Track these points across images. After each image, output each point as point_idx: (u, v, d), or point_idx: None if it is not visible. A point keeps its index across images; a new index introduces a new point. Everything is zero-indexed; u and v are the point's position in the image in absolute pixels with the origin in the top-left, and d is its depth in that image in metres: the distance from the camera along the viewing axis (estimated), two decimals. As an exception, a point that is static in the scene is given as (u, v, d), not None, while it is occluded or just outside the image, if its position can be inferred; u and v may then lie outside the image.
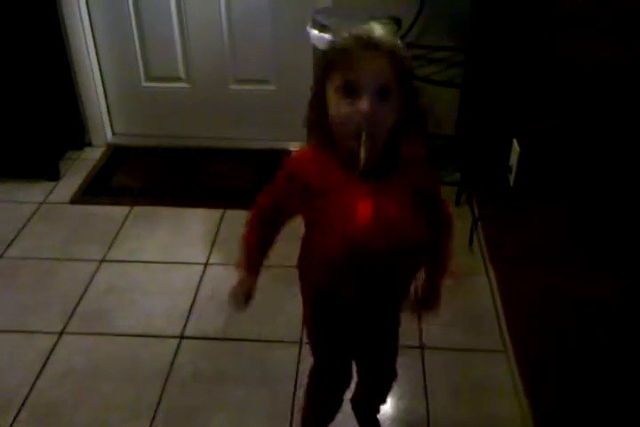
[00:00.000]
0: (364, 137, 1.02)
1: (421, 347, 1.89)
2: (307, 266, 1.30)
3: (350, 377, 1.48)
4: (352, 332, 1.36)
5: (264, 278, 2.26)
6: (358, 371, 1.51)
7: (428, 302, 1.36)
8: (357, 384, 1.57)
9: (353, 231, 1.12)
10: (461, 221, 2.35)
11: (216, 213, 2.52)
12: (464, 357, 1.88)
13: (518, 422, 1.68)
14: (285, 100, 2.79)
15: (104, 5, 2.68)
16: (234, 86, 2.82)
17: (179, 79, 2.84)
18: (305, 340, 1.91)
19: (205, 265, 2.25)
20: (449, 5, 2.36)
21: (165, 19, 2.68)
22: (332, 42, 1.08)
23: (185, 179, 2.73)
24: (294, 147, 2.81)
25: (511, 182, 1.80)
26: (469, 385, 1.79)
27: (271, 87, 2.80)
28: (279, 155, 2.84)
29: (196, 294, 2.12)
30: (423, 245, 1.22)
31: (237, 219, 2.48)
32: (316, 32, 2.02)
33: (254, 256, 1.32)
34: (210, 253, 2.31)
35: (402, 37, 2.17)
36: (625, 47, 1.19)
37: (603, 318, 1.27)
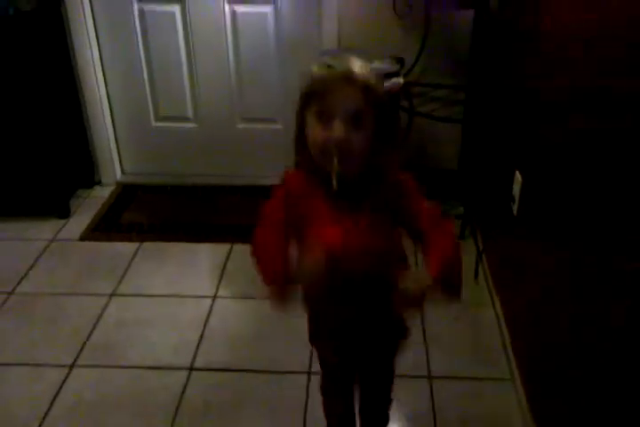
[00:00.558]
0: (335, 162, 1.10)
1: (429, 377, 1.90)
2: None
3: (352, 385, 1.53)
4: (349, 348, 1.39)
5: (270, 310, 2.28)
6: (359, 397, 1.57)
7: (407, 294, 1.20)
8: (359, 414, 1.61)
9: (324, 255, 1.14)
10: (466, 255, 2.38)
11: (223, 247, 2.56)
12: (472, 386, 1.88)
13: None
14: (291, 138, 2.86)
15: (115, 47, 2.79)
16: (241, 125, 2.90)
17: (187, 119, 2.93)
18: (313, 369, 1.93)
19: (214, 298, 2.28)
20: (449, 45, 2.46)
21: (175, 61, 2.78)
22: (311, 75, 1.16)
23: (193, 215, 2.78)
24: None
25: (515, 211, 1.85)
26: (478, 414, 1.79)
27: (278, 126, 2.88)
28: (285, 191, 2.90)
29: (204, 327, 2.14)
30: (396, 258, 1.27)
31: (245, 252, 2.52)
32: (322, 71, 2.10)
33: (278, 263, 1.23)
34: (218, 287, 2.34)
35: (405, 76, 2.26)
36: (625, 79, 1.26)
37: (610, 346, 1.29)
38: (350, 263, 1.18)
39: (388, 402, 1.59)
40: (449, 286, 1.18)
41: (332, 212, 1.18)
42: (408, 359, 1.95)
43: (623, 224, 1.23)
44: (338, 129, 1.09)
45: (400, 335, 1.42)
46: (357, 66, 1.12)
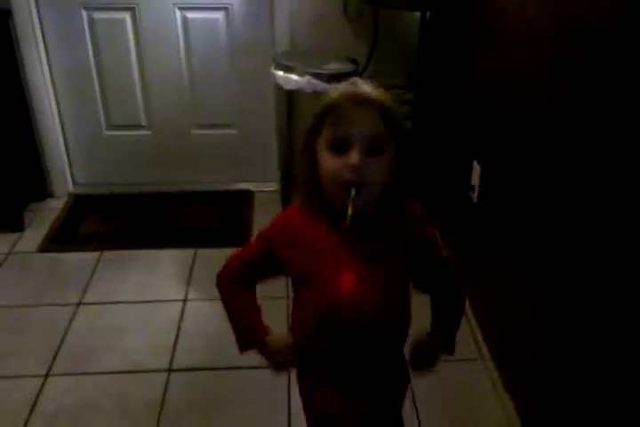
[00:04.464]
0: (353, 193, 1.00)
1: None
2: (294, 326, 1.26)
3: None
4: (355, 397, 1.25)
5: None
6: None
7: (422, 359, 1.21)
8: None
9: (331, 301, 1.10)
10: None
11: (188, 252, 2.58)
12: (445, 367, 1.95)
13: (503, 419, 1.79)
14: (247, 142, 2.92)
15: (65, 56, 2.76)
16: (195, 131, 2.93)
17: (140, 127, 2.93)
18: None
19: (184, 301, 2.29)
20: (398, 47, 2.56)
21: (126, 69, 2.78)
22: (322, 101, 1.07)
23: (152, 223, 2.78)
24: (255, 187, 2.95)
25: (475, 200, 1.96)
26: (455, 394, 1.88)
27: (232, 131, 2.92)
28: (243, 195, 2.95)
29: (178, 329, 2.15)
30: (406, 320, 1.20)
31: (210, 256, 2.57)
32: (281, 73, 2.17)
33: (257, 318, 1.21)
34: (187, 290, 2.35)
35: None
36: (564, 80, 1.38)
37: (573, 318, 1.39)
38: (362, 311, 1.10)
39: None
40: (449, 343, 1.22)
41: (343, 251, 1.08)
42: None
43: (579, 207, 1.35)
44: (356, 157, 0.99)
45: (405, 380, 1.32)
46: (371, 88, 1.05)
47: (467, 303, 2.17)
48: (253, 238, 1.21)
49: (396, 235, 1.10)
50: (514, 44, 1.71)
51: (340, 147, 1.01)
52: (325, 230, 1.08)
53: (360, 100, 1.02)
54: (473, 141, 2.06)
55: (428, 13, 2.26)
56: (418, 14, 2.31)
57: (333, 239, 1.08)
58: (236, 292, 1.23)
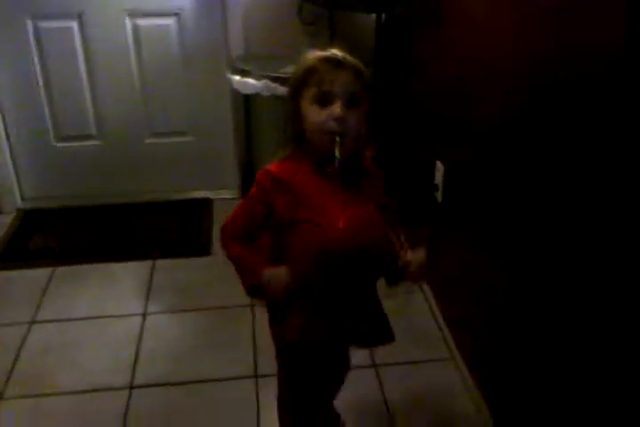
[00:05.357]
0: (338, 138, 1.17)
1: (374, 365, 1.94)
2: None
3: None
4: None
5: (206, 320, 2.22)
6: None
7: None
8: None
9: (326, 235, 1.22)
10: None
11: (146, 264, 2.49)
12: (416, 369, 1.94)
13: (476, 417, 1.77)
14: (204, 149, 2.86)
15: (9, 66, 2.66)
16: (149, 140, 2.85)
17: (91, 137, 2.83)
18: (261, 372, 1.91)
19: (144, 315, 2.21)
20: (354, 51, 2.54)
21: (75, 78, 2.70)
22: (299, 63, 1.23)
23: (107, 236, 2.69)
24: (214, 195, 2.88)
25: (439, 199, 1.95)
26: (427, 395, 1.85)
27: (188, 138, 2.85)
28: (202, 203, 2.88)
29: (138, 345, 2.06)
30: (385, 248, 1.29)
31: (169, 267, 2.49)
32: (238, 78, 2.12)
33: (256, 258, 1.27)
34: (147, 304, 2.26)
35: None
36: (521, 82, 1.38)
37: (537, 312, 1.40)
38: (352, 236, 1.22)
39: None
40: None
41: (332, 194, 1.23)
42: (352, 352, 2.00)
43: (541, 203, 1.35)
44: (339, 108, 1.16)
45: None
46: (344, 54, 1.21)
47: (434, 301, 2.17)
48: (240, 203, 1.30)
49: (365, 184, 1.28)
50: (471, 46, 1.71)
51: (323, 100, 1.17)
52: (313, 177, 1.23)
53: (337, 63, 1.18)
54: (435, 142, 2.05)
55: (384, 16, 2.25)
56: (374, 16, 2.30)
57: (322, 184, 1.22)
58: (237, 245, 1.28)
